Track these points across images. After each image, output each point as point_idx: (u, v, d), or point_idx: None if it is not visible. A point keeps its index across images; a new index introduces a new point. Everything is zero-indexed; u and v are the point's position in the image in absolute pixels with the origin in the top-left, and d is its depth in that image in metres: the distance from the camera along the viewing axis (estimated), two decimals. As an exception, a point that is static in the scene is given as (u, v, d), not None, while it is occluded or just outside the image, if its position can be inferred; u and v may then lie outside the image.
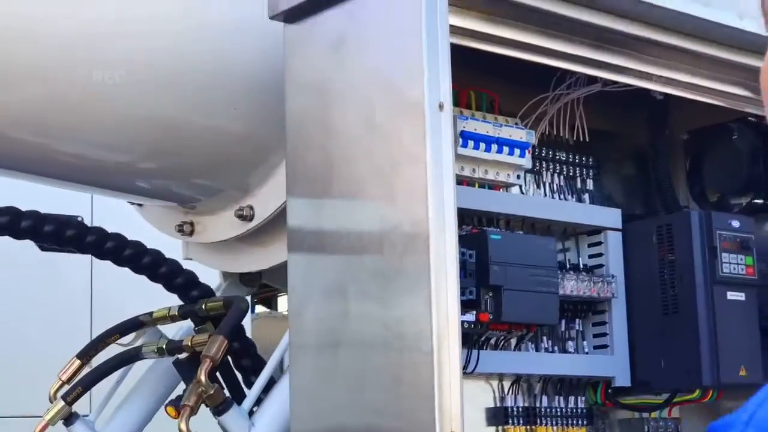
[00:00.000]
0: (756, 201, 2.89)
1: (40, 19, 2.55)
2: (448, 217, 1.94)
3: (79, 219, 3.07)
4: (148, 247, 3.04)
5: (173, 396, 3.03)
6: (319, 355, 2.32)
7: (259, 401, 2.79)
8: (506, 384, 2.58)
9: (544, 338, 2.62)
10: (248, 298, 3.13)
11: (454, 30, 2.04)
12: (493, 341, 2.44)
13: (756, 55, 2.59)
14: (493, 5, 2.20)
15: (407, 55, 2.05)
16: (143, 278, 3.17)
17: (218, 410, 2.50)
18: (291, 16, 2.27)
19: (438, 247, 1.92)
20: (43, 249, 3.17)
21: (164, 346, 2.76)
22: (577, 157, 2.80)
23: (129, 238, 2.98)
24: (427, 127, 1.94)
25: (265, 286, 3.48)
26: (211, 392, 2.45)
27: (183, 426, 2.49)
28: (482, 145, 2.24)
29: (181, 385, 2.93)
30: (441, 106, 1.95)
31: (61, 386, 2.85)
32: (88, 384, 2.85)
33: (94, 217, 4.12)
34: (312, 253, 2.34)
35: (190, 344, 2.66)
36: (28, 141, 2.80)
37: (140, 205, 3.19)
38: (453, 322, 1.95)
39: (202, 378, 2.43)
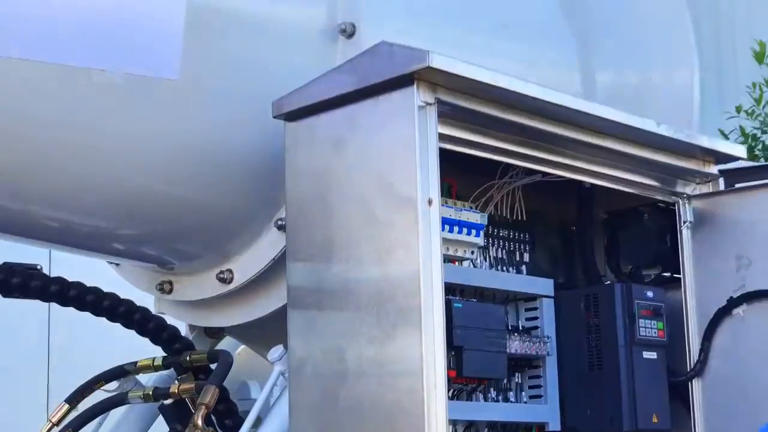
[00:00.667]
0: (664, 274, 3.20)
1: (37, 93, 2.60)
2: (437, 293, 2.20)
3: (39, 267, 3.09)
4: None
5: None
6: (318, 412, 2.52)
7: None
8: (459, 429, 2.79)
9: (491, 389, 2.83)
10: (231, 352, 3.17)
11: (441, 137, 2.32)
12: (449, 393, 2.59)
13: (668, 153, 2.99)
14: (470, 117, 2.50)
15: (402, 158, 2.30)
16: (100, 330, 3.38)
17: None
18: (293, 116, 2.52)
19: (427, 321, 2.19)
20: (5, 296, 3.14)
21: (151, 393, 2.92)
22: (516, 233, 3.04)
23: (122, 298, 3.09)
24: (419, 219, 2.21)
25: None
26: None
27: None
28: (446, 227, 2.50)
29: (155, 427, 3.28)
30: (430, 202, 2.22)
31: (50, 428, 2.99)
32: (77, 426, 2.96)
33: (52, 263, 4.07)
34: (312, 312, 2.54)
35: (176, 391, 2.83)
36: (10, 207, 2.87)
37: (117, 264, 3.32)
38: (440, 378, 2.20)
39: (199, 422, 2.57)
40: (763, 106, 9.16)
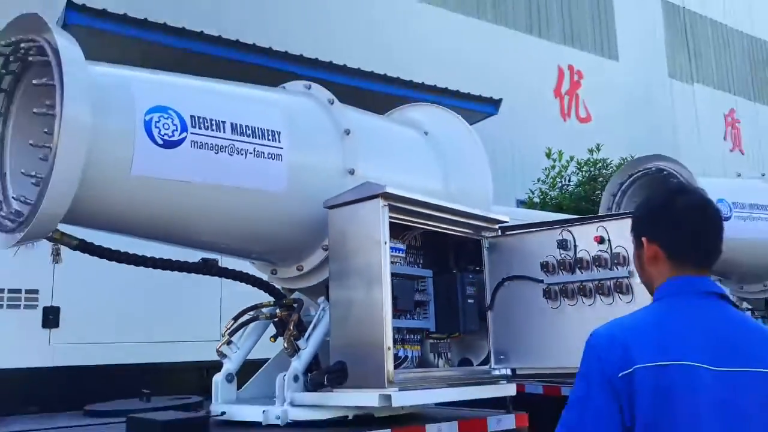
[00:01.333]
0: (477, 268, 3.32)
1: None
2: (386, 274, 2.63)
3: (216, 260, 3.15)
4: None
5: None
6: (338, 321, 2.82)
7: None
8: (404, 333, 3.04)
9: (408, 314, 3.05)
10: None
11: (391, 217, 2.72)
12: (393, 314, 2.79)
13: (476, 219, 3.24)
14: (398, 210, 2.81)
15: (374, 224, 2.72)
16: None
17: (295, 338, 2.98)
18: (331, 206, 2.90)
19: (384, 286, 2.61)
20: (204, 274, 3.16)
21: (268, 315, 3.20)
22: (416, 251, 3.23)
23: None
24: (382, 247, 2.66)
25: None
26: (295, 333, 2.99)
27: (286, 343, 2.99)
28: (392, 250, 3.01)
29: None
30: (386, 242, 2.67)
31: (226, 330, 3.22)
32: (233, 331, 3.20)
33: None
34: (338, 282, 2.86)
35: (279, 315, 3.15)
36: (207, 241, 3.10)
37: (252, 261, 3.46)
38: (388, 309, 2.64)
39: (291, 327, 2.99)
40: (549, 176, 9.84)
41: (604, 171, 9.35)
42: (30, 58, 2.47)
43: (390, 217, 2.72)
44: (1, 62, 2.56)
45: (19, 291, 3.61)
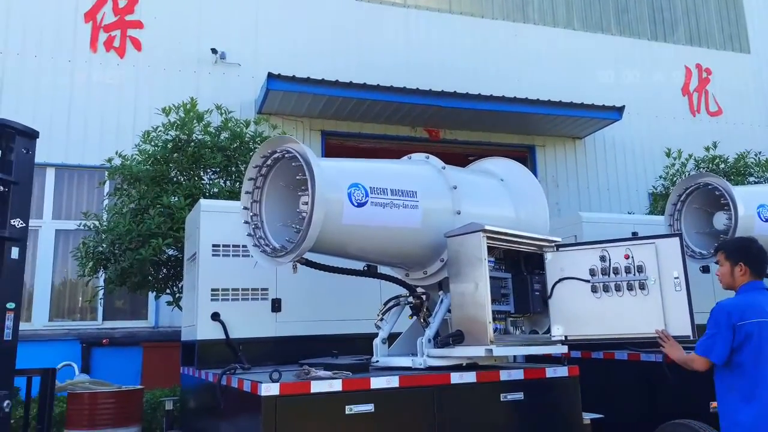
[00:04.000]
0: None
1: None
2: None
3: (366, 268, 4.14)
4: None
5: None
6: (459, 304, 3.81)
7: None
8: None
9: None
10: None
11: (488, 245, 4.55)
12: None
13: (537, 240, 4.43)
14: (492, 240, 4.13)
15: (478, 248, 4.25)
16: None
17: (426, 317, 4.10)
18: (450, 236, 3.90)
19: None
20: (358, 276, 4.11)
21: (406, 302, 4.28)
22: None
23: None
24: (483, 265, 4.37)
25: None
26: (426, 313, 4.10)
27: (422, 319, 4.10)
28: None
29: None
30: (483, 260, 4.52)
31: (380, 312, 4.33)
32: (386, 311, 4.29)
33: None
34: (453, 279, 3.87)
35: (414, 302, 4.23)
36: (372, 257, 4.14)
37: (392, 267, 4.38)
38: (488, 302, 4.09)
39: (425, 309, 4.14)
40: (669, 173, 10.26)
41: (722, 166, 9.44)
42: (280, 159, 3.99)
43: (487, 242, 3.74)
44: (264, 161, 4.27)
45: (256, 289, 4.80)
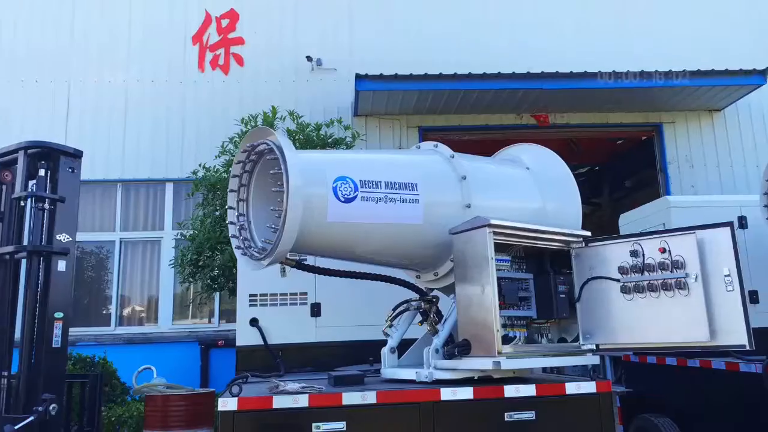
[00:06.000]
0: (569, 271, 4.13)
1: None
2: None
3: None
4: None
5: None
6: (466, 309, 3.48)
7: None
8: None
9: None
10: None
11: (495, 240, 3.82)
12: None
13: (566, 236, 3.90)
14: (498, 235, 3.79)
15: (482, 245, 3.67)
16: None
17: (435, 323, 3.79)
18: (455, 233, 3.61)
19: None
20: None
21: (416, 306, 3.97)
22: None
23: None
24: (490, 265, 3.89)
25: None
26: (435, 319, 3.80)
27: (429, 326, 3.79)
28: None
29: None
30: (489, 258, 4.00)
31: (388, 318, 3.98)
32: (395, 316, 3.97)
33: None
34: (460, 283, 3.56)
35: (423, 306, 3.92)
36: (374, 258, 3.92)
37: (402, 269, 4.17)
38: (495, 306, 3.81)
39: (431, 315, 3.86)
40: None
41: None
42: (263, 154, 3.75)
43: (495, 239, 3.42)
44: (246, 156, 3.98)
45: (295, 294, 4.87)
